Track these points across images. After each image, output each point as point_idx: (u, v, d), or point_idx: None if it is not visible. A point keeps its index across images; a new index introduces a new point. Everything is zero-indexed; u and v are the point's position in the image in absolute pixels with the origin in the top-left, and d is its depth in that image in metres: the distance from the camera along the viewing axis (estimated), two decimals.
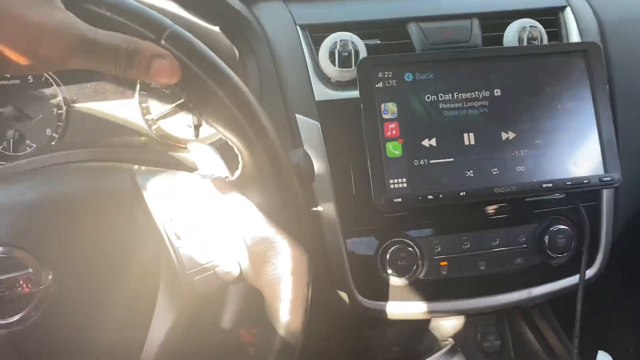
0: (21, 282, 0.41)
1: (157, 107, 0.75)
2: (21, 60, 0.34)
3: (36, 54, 0.34)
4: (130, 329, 0.45)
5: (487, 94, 0.65)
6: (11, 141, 0.72)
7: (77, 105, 0.74)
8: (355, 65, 0.68)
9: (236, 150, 0.43)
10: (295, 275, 0.45)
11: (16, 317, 0.41)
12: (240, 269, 0.46)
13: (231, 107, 0.41)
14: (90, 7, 0.37)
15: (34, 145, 0.74)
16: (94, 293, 0.43)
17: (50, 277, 0.41)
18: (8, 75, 0.72)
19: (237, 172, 0.45)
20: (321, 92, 0.69)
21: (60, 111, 0.74)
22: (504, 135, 0.65)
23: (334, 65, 0.68)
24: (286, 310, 0.46)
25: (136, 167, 0.47)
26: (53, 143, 0.74)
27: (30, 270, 0.41)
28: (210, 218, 0.46)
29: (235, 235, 0.46)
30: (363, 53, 0.69)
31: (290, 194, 0.45)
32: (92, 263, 0.43)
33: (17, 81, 0.73)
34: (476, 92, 0.65)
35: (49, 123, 0.74)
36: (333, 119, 0.69)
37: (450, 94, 0.65)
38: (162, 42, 0.39)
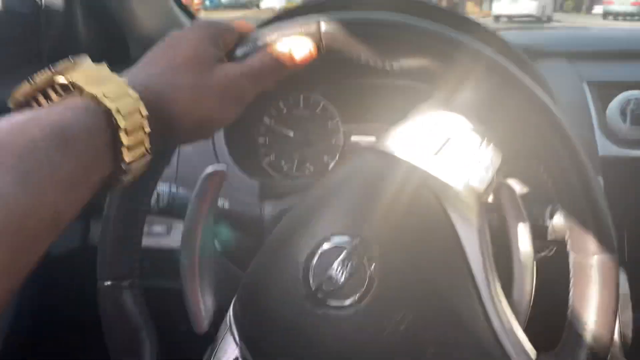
0: (353, 266, 0.44)
1: None
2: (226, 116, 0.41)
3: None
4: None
5: None
6: (295, 162, 0.81)
7: (353, 138, 0.82)
8: None
9: None
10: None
11: (349, 301, 0.44)
12: None
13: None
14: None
15: (312, 169, 0.82)
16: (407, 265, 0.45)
17: (373, 265, 0.45)
18: (301, 106, 0.82)
19: None
20: (606, 148, 0.68)
21: (338, 143, 0.81)
22: None
23: (625, 123, 0.67)
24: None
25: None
26: (329, 168, 0.81)
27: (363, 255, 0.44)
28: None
29: None
30: None
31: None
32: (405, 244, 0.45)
33: (307, 111, 0.83)
34: None
35: (327, 151, 0.82)
36: (616, 175, 0.67)
37: None
38: None
